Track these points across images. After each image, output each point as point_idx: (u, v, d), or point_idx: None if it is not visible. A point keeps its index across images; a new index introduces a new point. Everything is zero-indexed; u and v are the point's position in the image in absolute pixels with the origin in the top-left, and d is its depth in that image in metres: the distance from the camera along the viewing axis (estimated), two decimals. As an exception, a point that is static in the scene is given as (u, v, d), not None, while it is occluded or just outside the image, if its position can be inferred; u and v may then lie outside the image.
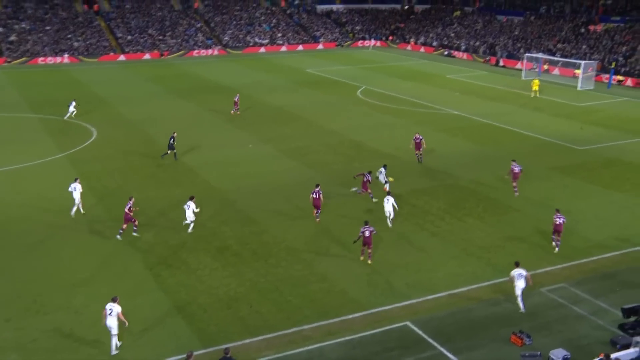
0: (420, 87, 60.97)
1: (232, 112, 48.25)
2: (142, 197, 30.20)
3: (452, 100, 54.27)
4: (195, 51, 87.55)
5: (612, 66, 65.88)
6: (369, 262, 23.49)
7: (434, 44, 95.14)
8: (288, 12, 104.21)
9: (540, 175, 33.80)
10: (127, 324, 18.41)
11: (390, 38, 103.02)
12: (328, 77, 67.14)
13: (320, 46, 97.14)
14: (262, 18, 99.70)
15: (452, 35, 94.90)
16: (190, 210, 26.25)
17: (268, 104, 52.31)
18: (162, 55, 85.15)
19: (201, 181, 32.74)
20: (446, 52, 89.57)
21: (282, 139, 40.98)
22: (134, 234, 26.04)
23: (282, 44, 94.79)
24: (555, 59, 71.19)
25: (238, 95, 49.96)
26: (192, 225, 26.44)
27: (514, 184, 31.17)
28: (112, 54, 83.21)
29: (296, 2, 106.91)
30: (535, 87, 58.17)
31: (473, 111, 49.86)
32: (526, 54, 72.50)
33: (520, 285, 20.44)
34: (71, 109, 46.88)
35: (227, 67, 76.13)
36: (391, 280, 22.46)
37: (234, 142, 40.41)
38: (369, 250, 23.48)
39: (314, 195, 27.45)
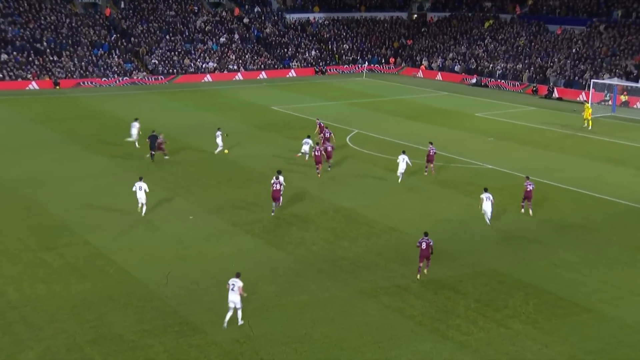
0: (437, 131, 61.85)
1: (321, 140, 52.48)
2: (22, 297, 29.69)
3: (484, 150, 55.23)
4: (108, 79, 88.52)
5: None
6: (425, 271, 31.59)
7: (457, 68, 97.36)
8: (245, 20, 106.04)
9: (622, 258, 34.30)
10: (245, 295, 27.17)
11: (393, 61, 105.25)
12: (303, 117, 68.16)
13: (292, 73, 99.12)
14: (207, 28, 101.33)
15: (483, 55, 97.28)
16: (279, 181, 39.51)
17: (217, 157, 52.72)
18: (56, 84, 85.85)
19: (116, 270, 32.55)
20: (474, 80, 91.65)
21: (237, 208, 41.21)
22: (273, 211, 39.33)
23: (237, 70, 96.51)
24: (639, 85, 73.03)
25: (319, 121, 56.73)
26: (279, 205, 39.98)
27: (427, 166, 46.94)
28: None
29: (256, 9, 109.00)
30: (588, 115, 61.01)
31: (516, 165, 50.62)
32: (593, 80, 74.37)
33: (487, 208, 37.33)
34: (219, 141, 53.08)
35: (156, 102, 77.14)
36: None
37: (166, 212, 40.45)
38: (425, 262, 31.42)
39: (316, 153, 46.40)
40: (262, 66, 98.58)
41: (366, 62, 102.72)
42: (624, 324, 27.84)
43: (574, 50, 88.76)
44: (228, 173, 48.58)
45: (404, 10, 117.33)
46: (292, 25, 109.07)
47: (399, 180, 45.51)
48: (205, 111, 71.29)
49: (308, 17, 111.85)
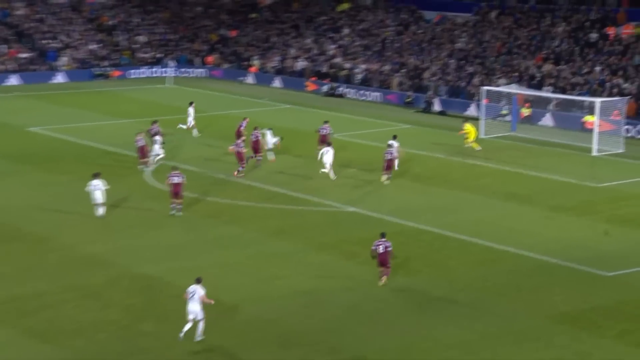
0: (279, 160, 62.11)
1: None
2: None
3: (343, 186, 56.20)
4: None
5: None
6: (383, 282, 38.28)
7: (299, 66, 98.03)
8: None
9: (533, 332, 34.89)
10: (212, 302, 31.96)
11: (211, 60, 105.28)
12: (76, 141, 68.43)
13: (60, 77, 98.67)
14: None
15: (336, 52, 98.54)
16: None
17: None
18: None
19: None
20: (326, 88, 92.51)
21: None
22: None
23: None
24: (544, 94, 75.94)
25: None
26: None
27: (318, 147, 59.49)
28: None
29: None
30: (471, 136, 63.60)
31: (387, 205, 51.81)
32: (485, 87, 76.54)
33: (326, 160, 55.40)
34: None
35: None
36: None
37: None
38: (383, 269, 38.24)
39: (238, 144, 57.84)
40: (15, 66, 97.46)
41: (171, 64, 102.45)
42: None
43: (457, 46, 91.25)
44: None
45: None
46: (59, 6, 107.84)
47: (321, 171, 56.47)
48: None
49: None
